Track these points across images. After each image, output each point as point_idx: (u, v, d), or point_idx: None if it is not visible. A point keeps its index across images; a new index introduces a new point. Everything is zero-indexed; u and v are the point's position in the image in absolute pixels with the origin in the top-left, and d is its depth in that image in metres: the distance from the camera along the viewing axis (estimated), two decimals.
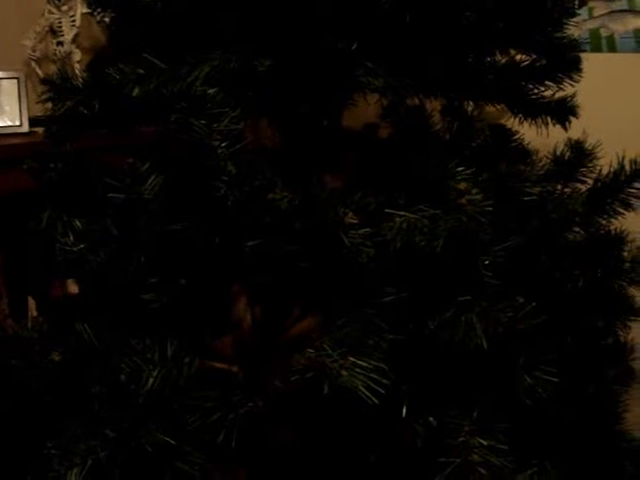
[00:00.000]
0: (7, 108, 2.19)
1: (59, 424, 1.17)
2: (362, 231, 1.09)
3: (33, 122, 2.19)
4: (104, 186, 1.28)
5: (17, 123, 2.17)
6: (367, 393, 1.03)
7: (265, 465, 1.20)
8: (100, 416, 1.14)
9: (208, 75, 1.26)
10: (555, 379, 1.22)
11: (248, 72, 1.25)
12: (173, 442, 1.13)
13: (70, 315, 1.35)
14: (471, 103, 1.66)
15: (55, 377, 1.19)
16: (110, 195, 1.18)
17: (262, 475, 1.22)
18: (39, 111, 2.23)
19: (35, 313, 2.16)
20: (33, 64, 2.36)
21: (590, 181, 1.47)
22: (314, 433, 1.18)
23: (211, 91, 1.23)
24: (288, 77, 1.23)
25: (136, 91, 1.20)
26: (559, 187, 1.42)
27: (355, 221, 1.09)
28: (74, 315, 1.31)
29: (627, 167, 1.43)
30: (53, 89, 1.41)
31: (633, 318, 1.60)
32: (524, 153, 1.58)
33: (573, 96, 1.48)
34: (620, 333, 1.63)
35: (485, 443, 1.15)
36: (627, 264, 1.47)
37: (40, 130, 2.09)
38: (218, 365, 1.27)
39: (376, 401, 1.03)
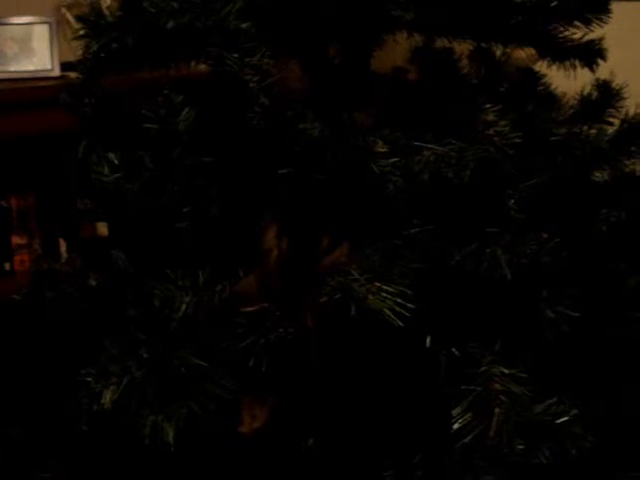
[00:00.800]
0: (39, 53, 2.21)
1: (96, 346, 1.21)
2: (391, 160, 1.12)
3: (64, 67, 2.22)
4: (138, 119, 1.31)
5: (49, 67, 2.20)
6: (392, 316, 1.06)
7: (293, 393, 1.24)
8: (135, 338, 1.18)
9: (241, 9, 1.27)
10: (576, 314, 1.24)
11: (280, 7, 1.26)
12: (204, 364, 1.17)
13: (104, 247, 1.39)
14: (499, 47, 1.67)
15: (92, 301, 1.23)
16: (145, 125, 1.21)
17: (289, 403, 1.26)
18: (69, 57, 2.27)
19: (65, 254, 2.20)
20: (63, 10, 2.38)
21: (617, 123, 1.47)
22: (341, 361, 1.21)
23: (244, 25, 1.25)
24: (319, 11, 1.24)
25: (171, 24, 1.22)
26: (585, 128, 1.43)
27: (385, 150, 1.11)
28: (109, 246, 1.35)
29: None
30: (88, 26, 1.43)
31: None
32: (551, 96, 1.59)
33: (601, 39, 1.49)
34: None
35: (506, 372, 1.18)
36: None
37: (71, 74, 2.13)
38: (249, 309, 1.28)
39: (400, 323, 1.06)
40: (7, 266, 2.15)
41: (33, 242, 2.21)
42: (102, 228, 2.26)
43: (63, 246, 2.26)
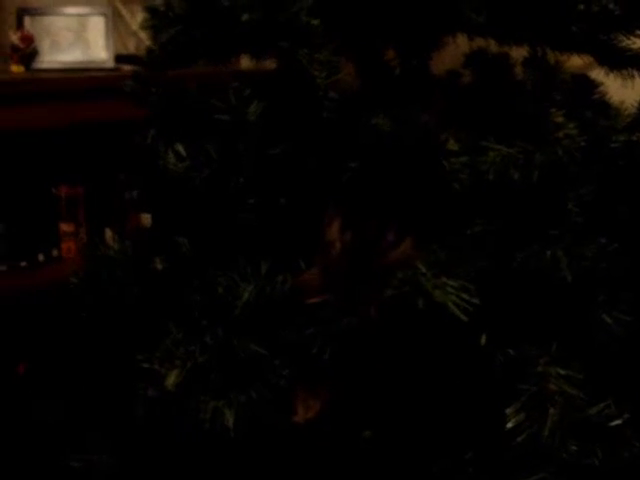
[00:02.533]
0: (93, 44, 2.25)
1: (157, 331, 1.23)
2: (462, 159, 1.13)
3: (118, 59, 2.25)
4: (204, 110, 1.34)
5: (103, 58, 2.23)
6: (457, 310, 1.08)
7: (351, 384, 1.26)
8: (199, 324, 1.20)
9: (311, 6, 1.29)
10: (631, 318, 1.25)
11: (349, 3, 1.28)
12: (264, 352, 1.19)
13: (165, 235, 1.41)
14: (554, 54, 1.68)
15: (157, 285, 1.25)
16: (216, 116, 1.23)
17: (346, 394, 1.28)
18: (121, 50, 2.30)
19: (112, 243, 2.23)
20: (117, 3, 2.42)
21: None
22: (401, 354, 1.23)
23: (315, 22, 1.27)
24: (388, 8, 1.26)
25: (245, 17, 1.24)
26: None
27: (456, 148, 1.13)
28: (172, 232, 1.37)
29: None
30: (156, 17, 1.45)
31: None
32: (607, 104, 1.60)
33: None
34: None
35: (562, 373, 1.19)
36: None
37: (125, 67, 2.16)
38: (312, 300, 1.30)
39: (465, 318, 1.07)
40: (55, 252, 2.19)
41: (80, 230, 2.24)
42: (146, 219, 2.30)
43: (108, 235, 2.30)
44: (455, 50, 1.69)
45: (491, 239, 1.20)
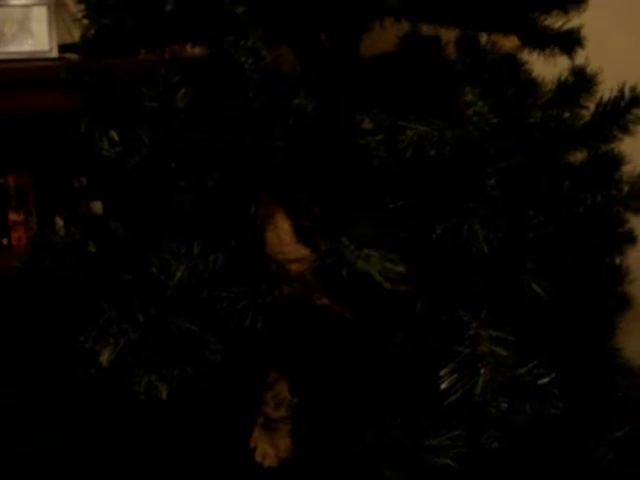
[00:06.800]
0: (37, 34, 2.26)
1: (94, 311, 1.28)
2: (378, 137, 1.19)
3: (62, 48, 2.27)
4: (137, 98, 1.38)
5: (47, 48, 2.25)
6: (380, 278, 1.14)
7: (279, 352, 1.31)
8: (132, 302, 1.24)
9: None
10: (555, 286, 1.32)
11: None
12: (195, 329, 1.24)
13: (102, 220, 1.46)
14: (484, 35, 1.74)
15: (90, 268, 1.30)
16: (145, 103, 1.27)
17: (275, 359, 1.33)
18: (66, 39, 2.32)
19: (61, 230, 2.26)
20: None
21: (592, 107, 1.55)
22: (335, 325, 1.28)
23: (239, 10, 1.32)
24: None
25: (169, 7, 1.28)
26: (562, 112, 1.51)
27: (371, 127, 1.18)
28: (106, 219, 1.42)
29: (627, 94, 1.51)
30: (89, 8, 1.49)
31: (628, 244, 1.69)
32: (532, 82, 1.66)
33: (580, 27, 1.56)
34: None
35: (493, 335, 1.25)
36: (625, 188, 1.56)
37: (69, 56, 2.19)
38: None
39: (388, 286, 1.13)
40: (5, 241, 2.22)
41: (30, 219, 2.27)
42: (96, 207, 2.33)
43: (58, 223, 2.33)
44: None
45: (412, 213, 1.26)
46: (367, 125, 1.19)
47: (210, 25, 1.31)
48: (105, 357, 1.19)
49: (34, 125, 2.20)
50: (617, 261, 1.75)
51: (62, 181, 2.32)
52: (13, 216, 2.24)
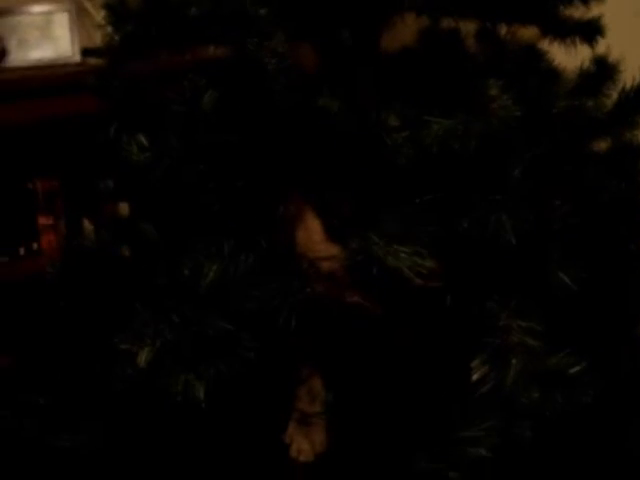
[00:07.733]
0: (60, 40, 2.29)
1: (129, 314, 1.30)
2: (404, 133, 1.20)
3: (84, 53, 2.30)
4: (164, 102, 1.40)
5: (69, 54, 2.28)
6: (410, 274, 1.15)
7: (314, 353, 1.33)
8: (166, 304, 1.27)
9: None
10: (585, 275, 1.32)
11: None
12: (230, 327, 1.26)
13: (132, 223, 1.48)
14: (504, 27, 1.74)
15: (123, 269, 1.32)
16: (173, 107, 1.29)
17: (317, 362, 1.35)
18: (88, 44, 2.34)
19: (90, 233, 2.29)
20: None
21: (615, 96, 1.55)
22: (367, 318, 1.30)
23: (262, 11, 1.33)
24: None
25: (193, 10, 1.30)
26: (585, 101, 1.51)
27: (397, 124, 1.20)
28: (136, 221, 1.44)
29: None
30: (113, 14, 1.51)
31: None
32: (554, 72, 1.67)
33: (600, 17, 1.56)
34: None
35: (523, 325, 1.26)
36: None
37: (91, 60, 2.21)
38: None
39: (419, 281, 1.15)
40: (35, 246, 2.25)
41: (59, 223, 2.30)
42: (123, 209, 2.35)
43: (87, 227, 2.35)
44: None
45: (438, 207, 1.27)
46: (393, 121, 1.20)
47: (233, 27, 1.33)
48: (142, 358, 1.22)
49: (60, 130, 2.22)
50: None
51: (89, 184, 2.35)
52: (42, 220, 2.27)
